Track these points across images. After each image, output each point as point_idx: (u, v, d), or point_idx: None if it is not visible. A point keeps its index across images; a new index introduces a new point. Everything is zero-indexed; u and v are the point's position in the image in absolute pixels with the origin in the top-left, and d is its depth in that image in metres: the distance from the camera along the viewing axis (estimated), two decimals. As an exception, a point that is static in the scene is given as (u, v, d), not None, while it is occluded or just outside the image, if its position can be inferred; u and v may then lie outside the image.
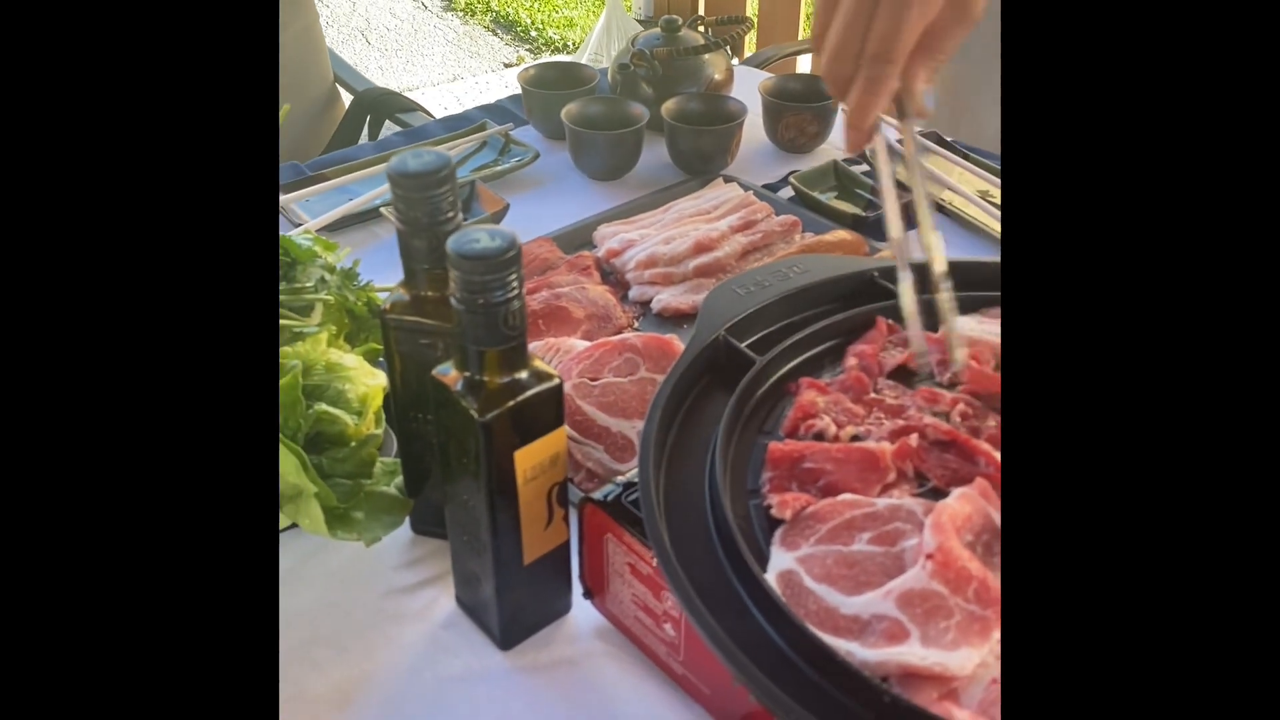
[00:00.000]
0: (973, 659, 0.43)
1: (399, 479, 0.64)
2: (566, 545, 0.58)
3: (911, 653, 0.43)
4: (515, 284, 0.49)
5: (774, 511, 0.50)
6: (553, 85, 1.11)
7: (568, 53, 3.43)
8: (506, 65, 3.41)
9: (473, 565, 0.58)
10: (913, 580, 0.45)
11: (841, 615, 0.46)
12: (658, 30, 1.12)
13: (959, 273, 0.59)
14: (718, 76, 1.12)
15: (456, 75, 3.32)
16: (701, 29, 1.15)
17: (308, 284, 0.68)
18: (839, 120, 1.12)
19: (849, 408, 0.57)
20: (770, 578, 0.47)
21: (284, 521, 0.59)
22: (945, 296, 0.57)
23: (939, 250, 0.58)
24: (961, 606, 0.44)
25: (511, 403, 0.51)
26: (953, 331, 0.57)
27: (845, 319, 0.63)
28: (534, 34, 3.56)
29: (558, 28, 3.59)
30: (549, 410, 0.53)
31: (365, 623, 0.60)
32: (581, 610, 0.60)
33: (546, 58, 3.42)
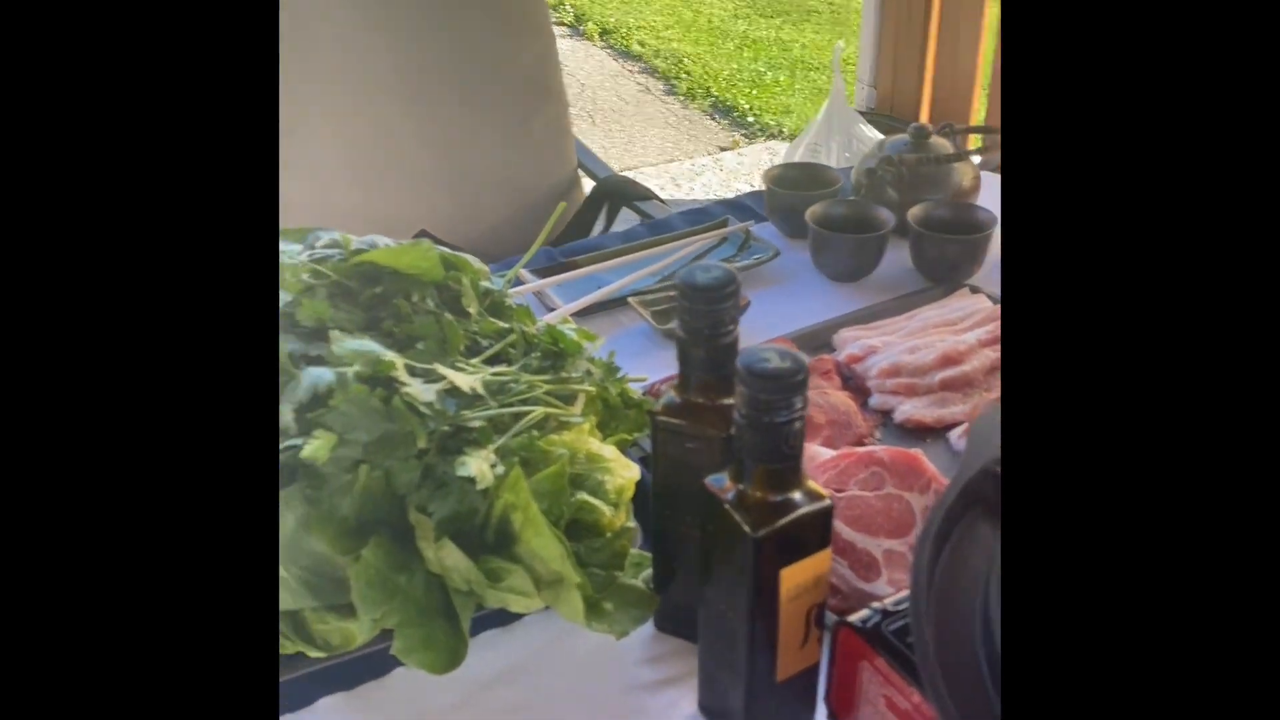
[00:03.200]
0: None
1: (646, 572, 0.66)
2: (817, 665, 0.58)
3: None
4: (800, 405, 0.50)
5: None
6: (796, 185, 1.13)
7: (783, 139, 3.48)
8: (722, 149, 3.49)
9: (722, 674, 0.58)
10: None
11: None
12: (905, 136, 1.12)
13: None
14: (965, 184, 1.11)
15: (673, 157, 3.43)
16: (950, 137, 1.14)
17: (575, 375, 0.71)
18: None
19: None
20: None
21: (538, 605, 0.61)
22: None
23: None
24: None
25: (783, 521, 0.51)
26: None
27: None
28: (750, 119, 3.64)
29: (774, 114, 3.66)
30: (818, 530, 0.53)
31: (608, 717, 0.61)
32: (823, 732, 0.59)
33: (762, 143, 3.48)
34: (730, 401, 0.58)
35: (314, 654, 0.60)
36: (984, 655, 0.50)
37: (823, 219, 1.05)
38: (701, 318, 0.56)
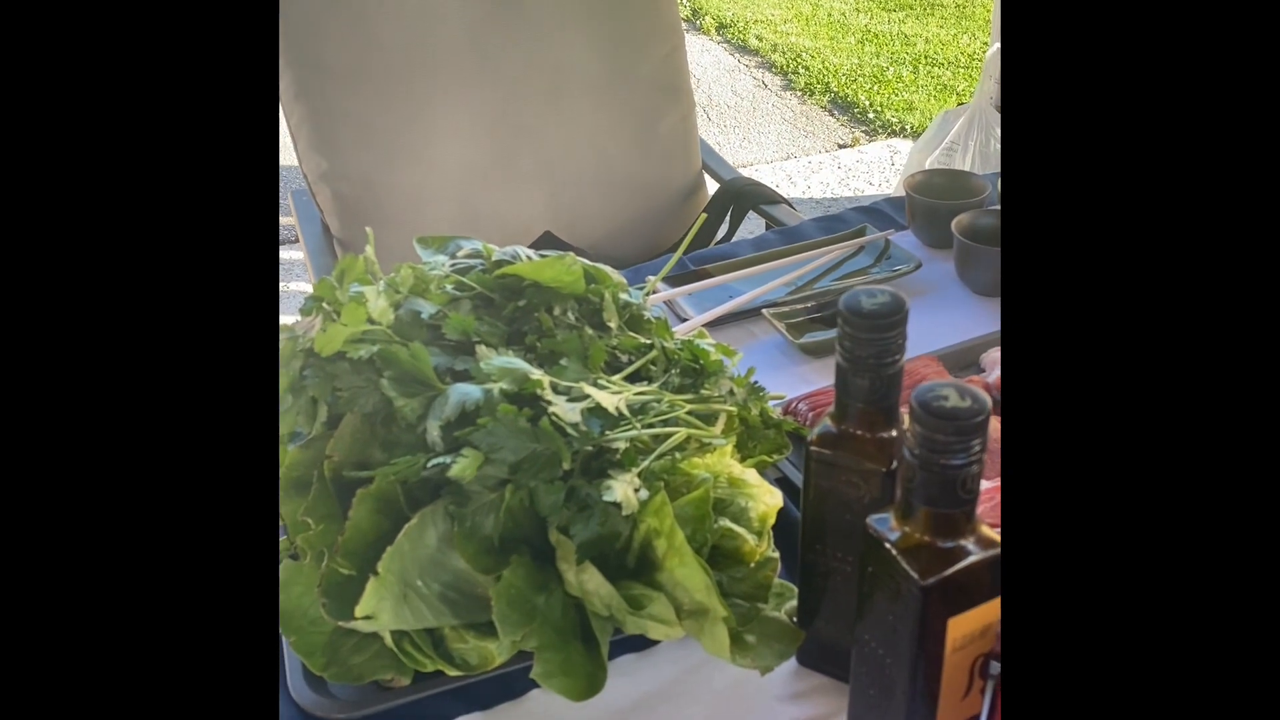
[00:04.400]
0: None
1: (789, 604, 0.63)
2: (978, 716, 0.54)
3: None
4: (979, 448, 0.46)
5: None
6: (939, 193, 1.08)
7: (905, 136, 3.38)
8: (840, 146, 3.41)
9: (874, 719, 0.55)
10: None
11: None
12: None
13: None
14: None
15: (790, 154, 3.37)
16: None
17: (717, 394, 0.69)
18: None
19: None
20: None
21: (679, 634, 0.60)
22: None
23: None
24: None
25: (953, 569, 0.48)
26: None
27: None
28: (871, 115, 3.55)
29: (896, 110, 3.55)
30: (988, 579, 0.49)
31: (749, 754, 0.59)
32: (979, 788, 0.55)
33: (883, 140, 3.39)
34: (891, 434, 0.55)
35: (452, 672, 0.59)
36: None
37: (970, 230, 1.00)
38: (866, 346, 0.53)
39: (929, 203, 1.07)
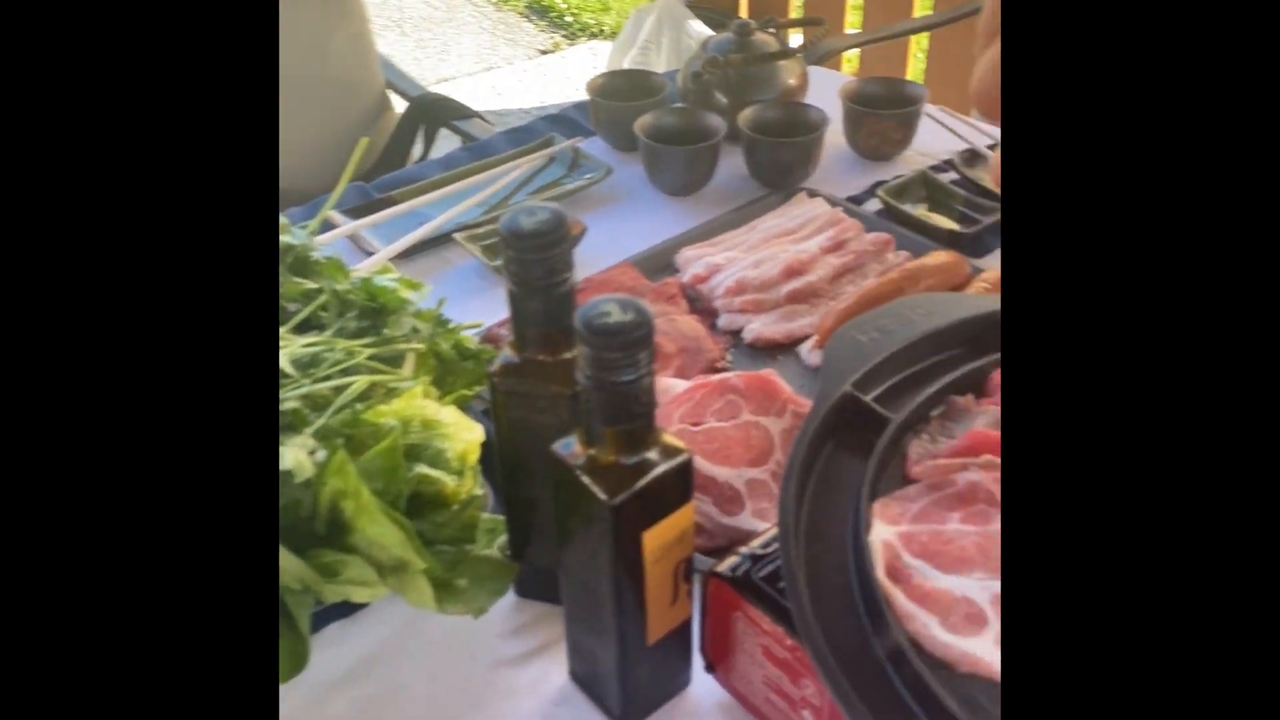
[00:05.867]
0: None
1: (501, 539, 0.61)
2: (689, 620, 0.55)
3: (982, 646, 0.44)
4: (647, 360, 0.45)
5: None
6: (622, 95, 1.07)
7: (604, 38, 3.37)
8: (542, 52, 3.35)
9: (590, 641, 0.54)
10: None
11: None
12: (730, 35, 1.07)
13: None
14: (793, 82, 1.07)
15: (492, 65, 3.27)
16: (774, 32, 1.10)
17: (400, 333, 0.64)
18: (924, 126, 1.07)
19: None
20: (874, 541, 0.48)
21: (384, 593, 0.56)
22: None
23: None
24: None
25: (641, 483, 0.47)
26: None
27: (978, 369, 0.59)
28: (569, 19, 3.50)
29: (593, 12, 3.53)
30: (678, 487, 0.49)
31: (475, 700, 0.57)
32: (702, 683, 0.57)
33: (584, 44, 3.36)
34: (574, 355, 0.53)
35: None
36: (857, 584, 0.48)
37: (653, 130, 1.00)
38: (532, 267, 0.50)
39: (611, 105, 1.05)
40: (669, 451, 0.48)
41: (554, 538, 0.56)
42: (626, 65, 2.31)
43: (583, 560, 0.51)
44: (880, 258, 0.89)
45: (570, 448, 0.48)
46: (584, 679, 0.57)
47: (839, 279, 0.87)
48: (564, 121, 1.15)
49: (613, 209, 0.99)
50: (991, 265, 0.86)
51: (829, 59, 1.45)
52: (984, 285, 0.81)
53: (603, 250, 0.90)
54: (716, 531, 0.65)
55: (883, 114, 1.03)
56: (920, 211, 0.95)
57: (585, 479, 0.47)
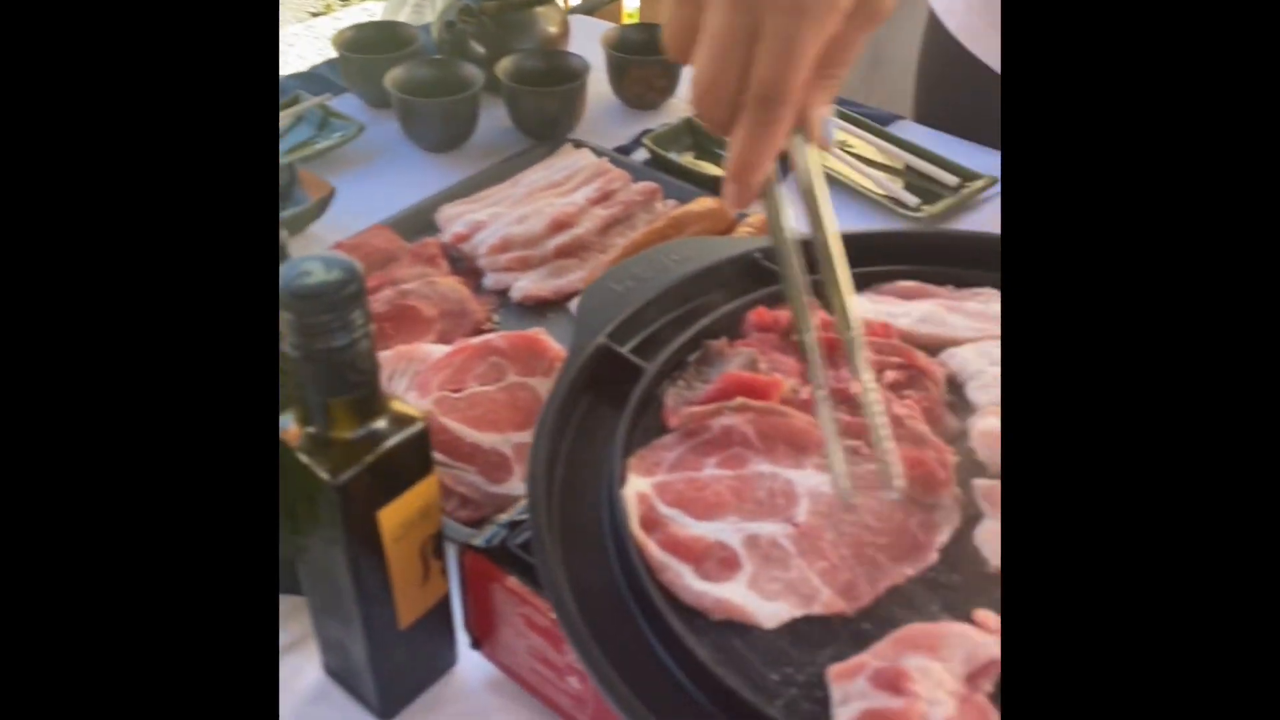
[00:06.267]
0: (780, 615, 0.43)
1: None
2: (448, 597, 0.51)
3: (735, 591, 0.44)
4: (362, 320, 0.41)
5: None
6: (374, 48, 1.00)
7: (380, -2, 3.21)
8: (314, 14, 3.17)
9: (338, 633, 0.50)
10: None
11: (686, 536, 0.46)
12: (485, -19, 1.02)
13: (851, 245, 0.51)
14: (553, 30, 1.04)
15: (259, 26, 3.06)
16: (532, -22, 1.05)
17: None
18: (689, 72, 1.05)
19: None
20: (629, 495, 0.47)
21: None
22: (869, 380, 0.46)
23: (856, 316, 0.46)
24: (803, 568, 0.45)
25: (369, 458, 0.43)
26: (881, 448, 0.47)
27: (732, 311, 0.58)
28: (341, -22, 3.32)
29: (367, -30, 3.36)
30: (415, 458, 0.45)
31: (217, 711, 0.52)
32: (469, 660, 0.54)
33: (359, 5, 3.20)
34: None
35: None
36: (611, 541, 0.46)
37: (406, 84, 0.94)
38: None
39: (361, 59, 0.98)
40: (401, 420, 0.44)
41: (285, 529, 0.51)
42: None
43: (317, 547, 0.46)
44: (648, 207, 0.87)
45: (286, 426, 0.44)
46: (338, 672, 0.53)
47: (607, 231, 0.84)
48: (314, 79, 1.07)
49: (367, 169, 0.93)
50: (756, 210, 0.86)
51: (602, 9, 1.42)
52: (749, 229, 0.80)
53: (359, 214, 0.84)
54: (484, 501, 0.62)
55: (646, 60, 1.01)
56: (687, 159, 0.94)
57: (305, 459, 0.43)
